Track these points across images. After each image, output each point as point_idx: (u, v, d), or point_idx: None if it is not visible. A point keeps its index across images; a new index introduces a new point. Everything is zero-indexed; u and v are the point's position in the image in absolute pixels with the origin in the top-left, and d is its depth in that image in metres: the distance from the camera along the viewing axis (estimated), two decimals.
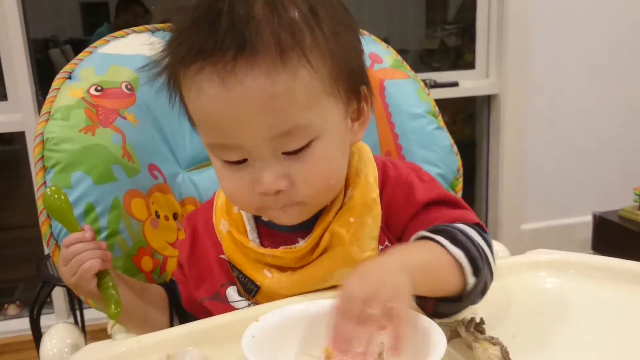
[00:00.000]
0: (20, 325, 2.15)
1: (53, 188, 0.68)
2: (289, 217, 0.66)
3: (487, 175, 2.64)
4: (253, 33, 0.56)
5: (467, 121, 2.88)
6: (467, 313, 0.69)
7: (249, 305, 0.71)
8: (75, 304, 1.92)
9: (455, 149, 1.02)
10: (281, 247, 0.69)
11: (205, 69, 0.58)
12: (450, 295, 0.62)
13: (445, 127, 1.04)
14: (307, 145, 0.61)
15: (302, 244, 0.68)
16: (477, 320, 0.66)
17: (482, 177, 2.68)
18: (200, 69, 0.58)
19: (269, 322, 0.59)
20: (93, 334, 1.82)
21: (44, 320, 1.67)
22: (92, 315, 1.93)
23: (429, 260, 0.60)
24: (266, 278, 0.69)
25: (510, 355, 0.61)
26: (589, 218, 2.50)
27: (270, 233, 0.70)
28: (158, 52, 0.65)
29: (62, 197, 0.67)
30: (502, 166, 2.54)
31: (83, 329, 1.82)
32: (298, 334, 0.59)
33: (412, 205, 0.69)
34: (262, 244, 0.70)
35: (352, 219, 0.68)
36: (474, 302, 0.65)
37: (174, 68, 0.62)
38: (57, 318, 2.17)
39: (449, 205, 0.70)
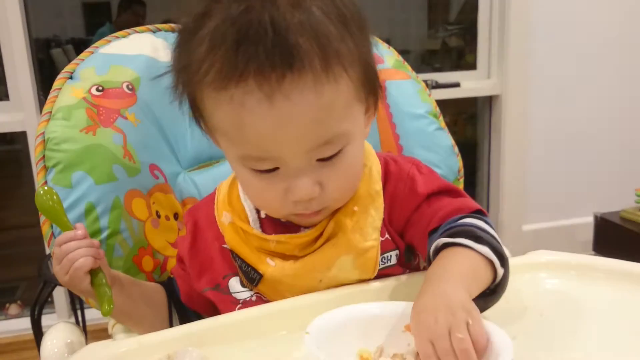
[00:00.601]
0: (21, 325, 2.15)
1: (45, 188, 0.68)
2: (311, 220, 0.68)
3: (488, 176, 2.64)
4: (298, 49, 0.56)
5: (469, 122, 2.88)
6: None
7: (252, 295, 0.72)
8: (77, 304, 1.92)
9: (456, 149, 1.02)
10: (285, 235, 0.70)
11: (248, 85, 0.56)
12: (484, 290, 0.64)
13: (446, 127, 1.04)
14: (340, 151, 0.62)
15: (307, 231, 0.69)
16: None
17: (484, 178, 2.68)
18: (241, 82, 0.56)
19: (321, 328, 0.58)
20: (94, 334, 1.82)
21: (45, 320, 1.66)
22: (93, 315, 1.93)
23: (468, 266, 0.61)
24: (269, 266, 0.69)
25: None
26: (590, 219, 2.50)
27: (273, 223, 0.71)
28: (176, 58, 0.64)
29: (54, 197, 0.67)
30: (503, 167, 2.53)
31: (84, 328, 1.82)
32: (331, 341, 0.58)
33: (415, 198, 0.71)
34: (265, 233, 0.71)
35: (356, 208, 0.69)
36: (504, 290, 0.66)
37: (199, 82, 0.60)
38: (58, 318, 2.17)
39: (450, 195, 0.71)
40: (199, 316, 0.77)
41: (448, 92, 2.42)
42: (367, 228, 0.70)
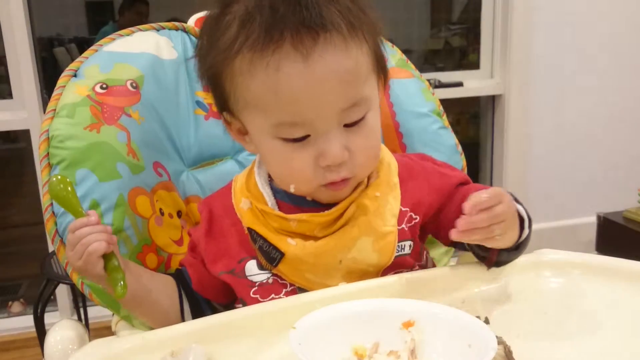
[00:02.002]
0: (24, 323, 2.15)
1: (59, 177, 0.68)
2: (339, 194, 0.71)
3: (491, 175, 2.64)
4: (328, 14, 0.63)
5: (472, 121, 2.88)
6: (471, 312, 0.69)
7: (269, 278, 0.74)
8: (79, 302, 1.93)
9: (459, 148, 1.02)
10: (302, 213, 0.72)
11: (284, 49, 0.62)
12: (511, 245, 0.72)
13: (449, 126, 1.04)
14: (363, 116, 0.67)
15: (329, 211, 0.72)
16: (482, 319, 0.66)
17: (486, 177, 2.67)
18: (277, 48, 0.62)
19: (307, 326, 0.59)
20: (97, 332, 1.82)
21: (48, 318, 1.67)
22: (96, 312, 1.94)
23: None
24: (290, 245, 0.71)
25: (514, 355, 0.61)
26: (593, 219, 2.50)
27: (291, 208, 0.73)
28: (202, 44, 0.70)
29: (68, 187, 0.67)
30: (506, 166, 2.53)
31: (87, 326, 1.83)
32: (323, 337, 0.59)
33: (445, 188, 0.78)
34: None
35: (378, 194, 0.74)
36: (524, 250, 0.75)
37: (230, 58, 0.65)
38: (61, 315, 2.17)
39: (469, 182, 0.81)
40: (210, 305, 0.79)
41: (451, 92, 2.42)
42: (386, 213, 0.74)
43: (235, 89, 0.67)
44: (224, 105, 0.71)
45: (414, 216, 0.77)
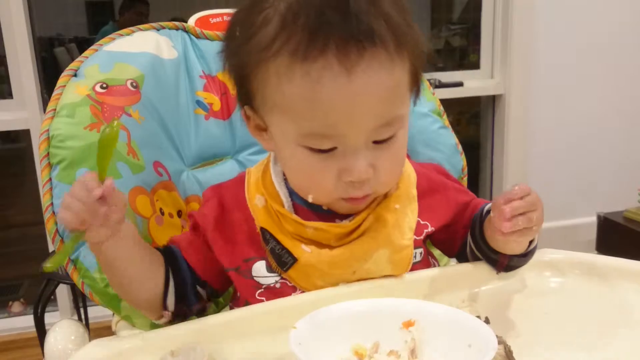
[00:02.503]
0: (24, 323, 2.15)
1: (115, 129, 0.61)
2: (356, 207, 0.70)
3: (491, 175, 2.64)
4: (377, 28, 0.59)
5: (472, 121, 2.88)
6: (471, 312, 0.69)
7: (276, 282, 0.73)
8: (80, 302, 1.93)
9: (460, 148, 1.02)
10: (320, 222, 0.71)
11: (327, 59, 0.59)
12: (524, 250, 0.73)
13: (450, 126, 1.03)
14: (393, 135, 0.65)
15: (346, 222, 0.71)
16: (482, 319, 0.66)
17: (487, 177, 2.67)
18: (319, 57, 0.59)
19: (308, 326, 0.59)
20: (97, 332, 1.82)
21: (48, 318, 1.67)
22: (97, 312, 1.94)
23: None
24: (305, 252, 0.70)
25: (514, 355, 0.61)
26: (593, 219, 2.49)
27: (307, 213, 0.72)
28: (231, 37, 0.67)
29: (115, 141, 0.61)
30: (506, 166, 2.53)
31: (87, 326, 1.83)
32: (323, 336, 0.59)
33: (460, 203, 0.79)
34: None
35: (397, 206, 0.73)
36: (531, 258, 0.76)
37: (266, 58, 0.62)
38: (62, 315, 2.17)
39: (475, 198, 0.81)
40: (195, 289, 0.75)
41: (451, 92, 2.41)
42: (405, 227, 0.73)
43: (266, 89, 0.64)
44: (246, 100, 0.69)
45: (429, 228, 0.77)
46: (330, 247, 0.71)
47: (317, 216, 0.71)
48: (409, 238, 0.73)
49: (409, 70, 0.65)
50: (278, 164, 0.74)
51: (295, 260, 0.71)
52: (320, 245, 0.71)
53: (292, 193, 0.73)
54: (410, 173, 0.77)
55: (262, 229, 0.73)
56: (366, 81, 0.60)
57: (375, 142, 0.64)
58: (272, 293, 0.72)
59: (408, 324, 0.60)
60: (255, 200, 0.74)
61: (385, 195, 0.74)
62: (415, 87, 0.68)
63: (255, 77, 0.65)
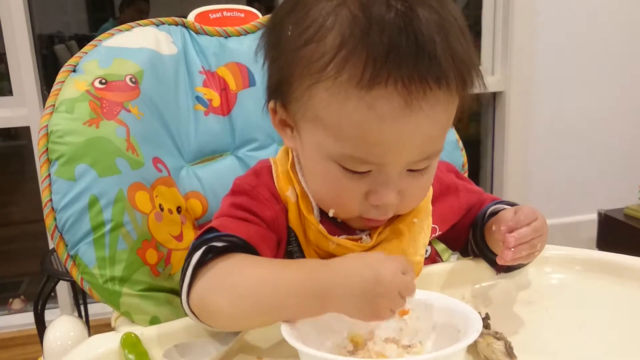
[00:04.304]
0: (24, 320, 2.15)
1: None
2: (375, 225, 0.69)
3: (492, 172, 2.64)
4: (447, 67, 0.57)
5: (472, 119, 2.87)
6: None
7: None
8: (80, 298, 1.93)
9: (460, 144, 1.02)
10: (343, 236, 0.70)
11: (388, 91, 0.56)
12: None
13: None
14: (430, 164, 0.65)
15: (369, 239, 0.70)
16: (482, 315, 0.66)
17: (487, 175, 2.67)
18: (380, 85, 0.56)
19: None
20: (98, 328, 1.82)
21: (49, 315, 1.67)
22: (96, 309, 1.94)
23: None
24: None
25: (515, 351, 0.60)
26: (594, 216, 2.49)
27: (331, 227, 0.70)
28: (281, 32, 0.62)
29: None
30: (507, 163, 2.53)
31: (87, 323, 1.83)
32: (315, 323, 0.59)
33: (470, 203, 0.81)
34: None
35: (415, 220, 0.72)
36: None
37: (320, 73, 0.58)
38: (62, 312, 2.18)
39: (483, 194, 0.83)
40: None
41: None
42: (419, 243, 0.73)
43: (311, 99, 0.60)
44: (279, 97, 0.66)
45: (437, 232, 0.78)
46: None
47: (339, 228, 0.70)
48: (421, 254, 0.73)
49: (460, 105, 0.63)
50: (301, 164, 0.71)
51: None
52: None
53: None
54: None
55: (288, 227, 0.71)
56: (424, 119, 0.58)
57: (409, 171, 0.63)
58: None
59: (403, 312, 0.60)
60: (288, 192, 0.70)
61: None
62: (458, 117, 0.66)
63: (301, 84, 0.61)
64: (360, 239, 0.71)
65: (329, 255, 0.69)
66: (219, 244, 0.64)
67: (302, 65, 0.60)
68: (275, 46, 0.65)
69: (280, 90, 0.65)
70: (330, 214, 0.67)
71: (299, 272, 0.60)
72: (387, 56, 0.55)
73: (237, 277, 0.62)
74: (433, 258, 0.82)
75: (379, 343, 0.58)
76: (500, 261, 0.67)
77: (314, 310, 0.58)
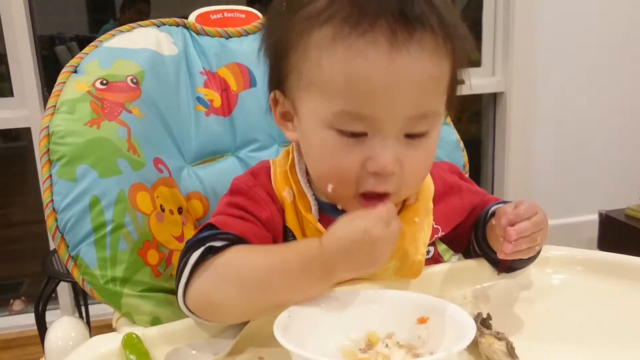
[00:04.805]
0: (25, 321, 2.15)
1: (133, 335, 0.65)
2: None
3: (492, 173, 2.64)
4: (428, 15, 0.59)
5: (473, 119, 2.88)
6: (473, 308, 0.69)
7: None
8: (81, 299, 1.93)
9: (461, 144, 1.02)
10: None
11: (375, 35, 0.58)
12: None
13: (451, 123, 1.03)
14: (426, 133, 0.64)
15: None
16: (484, 315, 0.66)
17: (488, 175, 2.67)
18: (366, 32, 0.58)
19: (301, 310, 0.60)
20: (99, 329, 1.82)
21: (50, 316, 1.67)
22: (97, 310, 1.94)
23: None
24: None
25: (516, 351, 0.60)
26: (595, 216, 2.49)
27: (329, 220, 0.69)
28: (277, 8, 0.66)
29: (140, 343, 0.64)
30: (507, 164, 2.53)
31: (88, 323, 1.83)
32: (334, 321, 0.60)
33: (473, 204, 0.81)
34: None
35: (416, 219, 0.72)
36: (535, 259, 0.77)
37: (310, 30, 0.61)
38: (63, 313, 2.17)
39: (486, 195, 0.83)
40: None
41: None
42: (420, 242, 0.73)
43: (304, 64, 0.63)
44: (279, 82, 0.67)
45: (440, 232, 0.78)
46: None
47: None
48: (422, 254, 0.73)
49: (449, 70, 0.63)
50: (302, 161, 0.71)
51: None
52: None
53: (316, 198, 0.71)
54: (429, 183, 0.75)
55: (285, 226, 0.71)
56: (411, 63, 0.58)
57: (407, 137, 0.63)
58: None
59: (422, 320, 0.60)
60: (285, 193, 0.71)
61: (405, 206, 0.72)
62: (451, 91, 0.66)
63: (295, 52, 0.63)
64: None
65: None
66: (218, 244, 0.65)
67: (295, 29, 0.62)
68: (273, 28, 0.68)
69: (277, 74, 0.67)
70: (329, 190, 0.66)
71: (300, 251, 0.62)
72: (370, 1, 0.58)
73: (241, 266, 0.63)
74: (436, 258, 0.82)
75: (391, 346, 0.57)
76: (500, 255, 0.67)
77: (323, 282, 0.61)
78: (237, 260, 0.64)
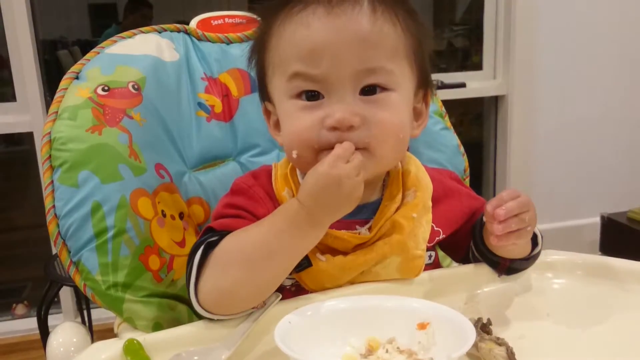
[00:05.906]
0: (28, 325, 2.15)
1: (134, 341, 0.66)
2: (353, 183, 0.67)
3: (494, 176, 2.64)
4: None
5: (475, 122, 2.88)
6: (473, 313, 0.69)
7: (292, 285, 0.74)
8: (83, 304, 1.93)
9: (462, 149, 1.02)
10: (342, 231, 0.71)
11: (312, 5, 0.66)
12: (526, 255, 0.75)
13: (452, 127, 1.03)
14: (384, 91, 0.67)
15: (368, 234, 0.72)
16: (484, 320, 0.66)
17: (490, 179, 2.67)
18: (305, 7, 0.66)
19: (302, 316, 0.60)
20: (100, 334, 1.82)
21: (52, 320, 1.67)
22: (100, 315, 1.94)
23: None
24: (319, 260, 0.71)
25: (517, 356, 0.60)
26: (596, 220, 2.49)
27: None
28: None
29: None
30: (509, 167, 2.53)
31: (90, 328, 1.83)
32: (334, 327, 0.61)
33: (472, 209, 0.82)
34: None
35: (414, 215, 0.74)
36: (534, 262, 0.78)
37: (271, 25, 0.70)
38: (65, 318, 2.18)
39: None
40: None
41: (454, 93, 2.41)
42: (419, 237, 0.74)
43: (270, 57, 0.70)
44: (265, 93, 0.74)
45: (440, 235, 0.79)
46: (345, 253, 0.72)
47: (337, 221, 0.69)
48: (422, 249, 0.74)
49: (401, 36, 0.68)
50: None
51: (309, 264, 0.71)
52: (335, 252, 0.72)
53: None
54: (428, 183, 0.77)
55: None
56: (347, 21, 0.65)
57: (363, 94, 0.67)
58: (286, 296, 0.72)
59: (422, 326, 0.60)
60: (284, 193, 0.74)
61: (403, 203, 0.74)
62: (421, 76, 0.71)
63: (266, 54, 0.71)
64: (359, 233, 0.72)
65: (326, 247, 0.71)
66: (214, 238, 0.69)
67: (265, 34, 0.71)
68: (257, 47, 0.74)
69: (263, 84, 0.74)
70: (294, 155, 0.69)
71: (283, 211, 0.66)
72: None
73: (240, 246, 0.67)
74: (437, 263, 0.82)
75: (392, 352, 0.58)
76: (493, 241, 0.68)
77: (315, 231, 0.65)
78: (234, 243, 0.67)
